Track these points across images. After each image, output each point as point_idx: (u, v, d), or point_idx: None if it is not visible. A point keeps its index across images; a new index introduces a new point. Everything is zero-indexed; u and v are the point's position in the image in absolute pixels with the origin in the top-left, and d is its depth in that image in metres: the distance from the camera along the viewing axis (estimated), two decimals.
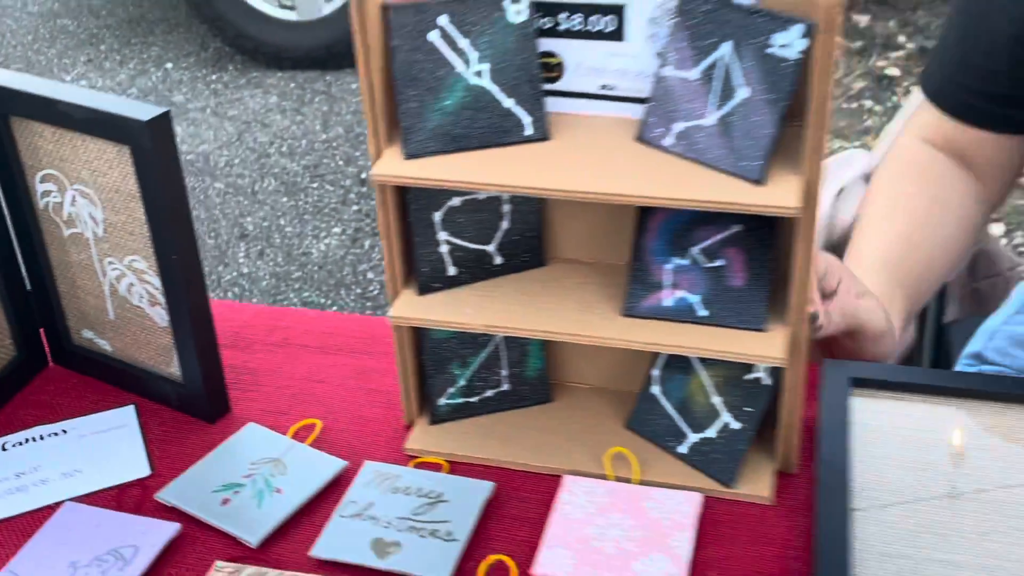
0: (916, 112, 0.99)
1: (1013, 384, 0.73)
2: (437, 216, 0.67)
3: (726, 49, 0.59)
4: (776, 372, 0.66)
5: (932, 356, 1.27)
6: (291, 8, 3.07)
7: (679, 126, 0.61)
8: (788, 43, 0.56)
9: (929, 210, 0.92)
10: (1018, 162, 0.94)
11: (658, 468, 0.69)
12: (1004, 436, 0.69)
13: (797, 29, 0.55)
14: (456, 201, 0.67)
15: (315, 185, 2.56)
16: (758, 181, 0.58)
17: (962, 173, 0.95)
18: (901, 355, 1.39)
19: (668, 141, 0.61)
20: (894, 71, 3.00)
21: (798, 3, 0.56)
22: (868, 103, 2.83)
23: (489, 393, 0.74)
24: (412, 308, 0.67)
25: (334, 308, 2.16)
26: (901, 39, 3.16)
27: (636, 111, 0.63)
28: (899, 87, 2.90)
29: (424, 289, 0.68)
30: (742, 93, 0.58)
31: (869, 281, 0.84)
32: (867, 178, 1.38)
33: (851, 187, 1.38)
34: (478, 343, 0.72)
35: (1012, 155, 0.93)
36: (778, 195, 0.57)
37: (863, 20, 3.45)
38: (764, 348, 0.63)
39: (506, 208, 0.68)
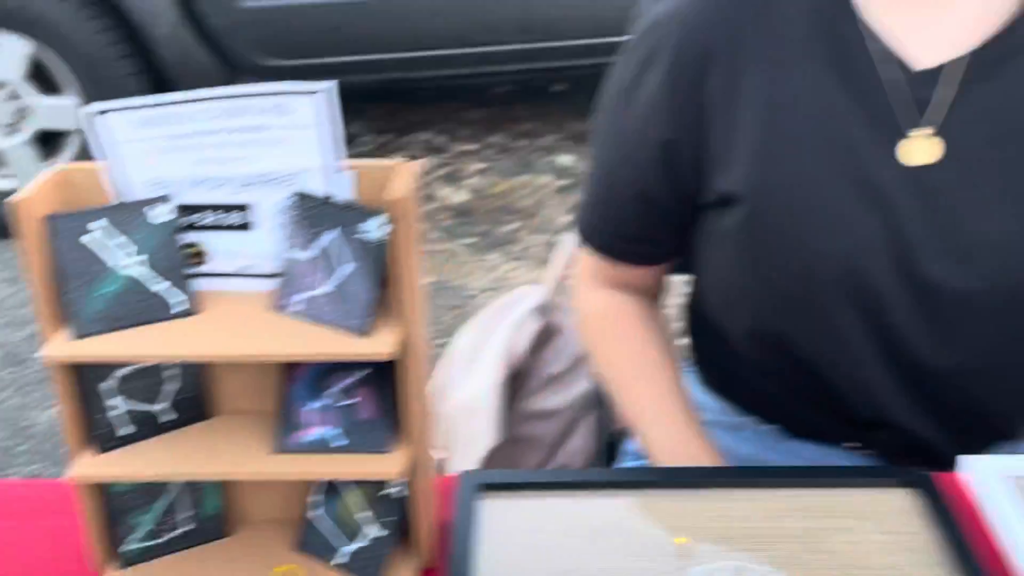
0: (579, 253, 1.19)
1: (631, 473, 0.92)
2: (109, 384, 0.78)
3: (333, 234, 0.75)
4: (409, 484, 0.81)
5: (606, 458, 1.46)
6: (12, 176, 3.08)
7: (304, 295, 0.76)
8: (373, 229, 0.73)
9: (666, 356, 1.12)
10: (665, 273, 1.16)
11: None
12: (637, 523, 0.87)
13: (377, 219, 0.72)
14: (125, 369, 0.79)
15: (38, 355, 2.54)
16: (363, 334, 0.74)
17: (645, 304, 1.16)
18: (585, 461, 1.59)
19: (296, 308, 0.76)
20: None
21: (380, 198, 0.73)
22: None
23: (173, 534, 0.84)
24: (90, 467, 0.78)
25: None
26: None
27: (270, 285, 0.78)
28: None
29: (101, 449, 0.79)
30: (347, 267, 0.74)
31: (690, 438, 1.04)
32: (541, 310, 1.59)
33: (525, 320, 1.59)
34: (157, 491, 0.82)
35: (657, 274, 1.15)
36: (378, 344, 0.73)
37: (568, 159, 3.83)
38: (390, 467, 0.77)
39: (171, 372, 0.80)
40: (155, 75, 3.41)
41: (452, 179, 3.79)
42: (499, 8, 3.44)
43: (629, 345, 1.13)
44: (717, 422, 1.18)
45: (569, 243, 1.55)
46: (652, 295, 1.17)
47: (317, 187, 0.75)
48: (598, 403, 1.46)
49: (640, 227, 1.10)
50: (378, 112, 4.33)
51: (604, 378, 1.16)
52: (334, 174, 0.75)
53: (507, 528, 0.86)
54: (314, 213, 0.75)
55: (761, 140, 0.97)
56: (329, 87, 0.71)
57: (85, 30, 3.19)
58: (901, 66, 0.93)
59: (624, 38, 1.05)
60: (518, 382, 1.60)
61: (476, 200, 3.67)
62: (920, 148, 0.93)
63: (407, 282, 0.73)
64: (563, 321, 1.60)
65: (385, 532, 0.81)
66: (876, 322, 0.97)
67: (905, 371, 1.00)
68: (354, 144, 4.09)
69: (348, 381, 0.79)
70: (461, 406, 1.57)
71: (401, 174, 0.74)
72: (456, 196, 3.68)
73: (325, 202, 0.75)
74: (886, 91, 0.94)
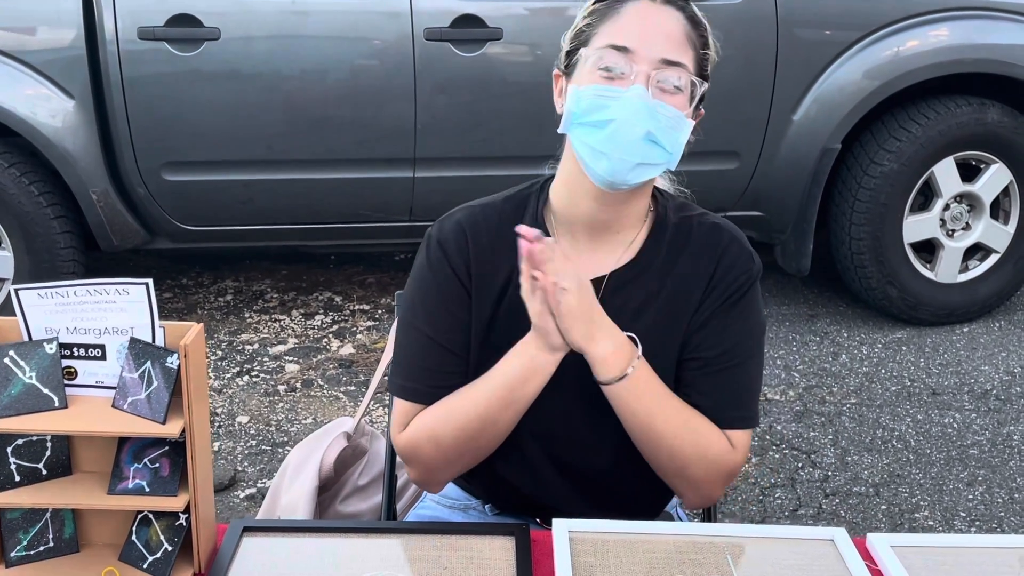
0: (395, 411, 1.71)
1: (354, 523, 1.44)
2: (10, 448, 1.30)
3: (149, 363, 1.29)
4: (188, 518, 1.33)
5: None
6: None
7: (130, 398, 1.30)
8: (172, 361, 1.27)
9: None
10: None
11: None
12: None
13: (174, 355, 1.27)
14: (19, 440, 1.31)
15: None
16: (162, 423, 1.27)
17: None
18: None
19: (126, 407, 1.30)
20: None
21: (178, 344, 1.28)
22: None
23: (42, 548, 1.35)
24: None
25: None
26: None
27: (112, 392, 1.32)
28: None
29: (1, 489, 1.30)
30: (156, 383, 1.29)
31: None
32: (348, 436, 2.12)
33: (335, 440, 2.12)
34: (35, 518, 1.33)
35: None
36: (170, 428, 1.27)
37: None
38: (176, 504, 1.30)
39: (48, 442, 1.33)
40: (84, 233, 3.96)
41: (341, 334, 4.33)
42: (387, 191, 4.04)
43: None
44: (455, 503, 1.74)
45: (373, 388, 2.13)
46: None
47: (143, 336, 1.30)
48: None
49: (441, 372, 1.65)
50: (286, 273, 4.89)
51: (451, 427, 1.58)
52: (153, 329, 1.30)
53: (259, 554, 1.37)
54: (140, 351, 1.30)
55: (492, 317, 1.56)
56: (148, 281, 1.27)
57: (24, 193, 3.74)
58: None
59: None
60: (334, 490, 2.12)
61: (359, 354, 4.19)
62: None
63: (191, 392, 1.28)
64: (369, 444, 2.15)
65: (173, 547, 1.33)
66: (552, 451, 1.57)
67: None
68: (261, 299, 4.64)
69: (155, 452, 1.33)
70: (286, 506, 2.08)
71: (192, 330, 1.30)
72: (343, 349, 4.21)
73: (147, 344, 1.30)
74: None
